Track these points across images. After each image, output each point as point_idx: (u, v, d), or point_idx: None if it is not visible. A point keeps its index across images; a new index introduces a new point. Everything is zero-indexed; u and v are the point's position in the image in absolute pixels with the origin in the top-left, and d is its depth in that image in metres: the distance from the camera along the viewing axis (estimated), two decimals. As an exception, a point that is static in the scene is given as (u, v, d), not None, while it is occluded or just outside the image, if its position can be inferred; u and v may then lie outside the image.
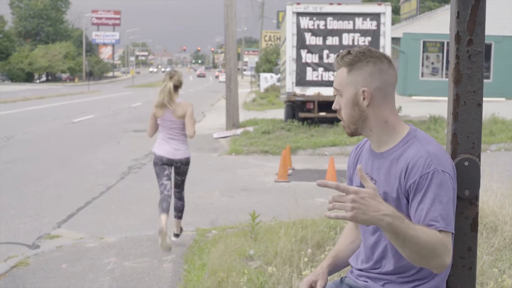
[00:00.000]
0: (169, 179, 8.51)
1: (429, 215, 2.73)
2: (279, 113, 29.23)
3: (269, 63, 68.76)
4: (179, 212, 8.65)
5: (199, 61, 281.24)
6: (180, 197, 8.72)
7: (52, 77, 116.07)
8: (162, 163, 8.49)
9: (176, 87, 8.38)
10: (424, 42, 42.43)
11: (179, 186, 8.71)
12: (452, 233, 2.75)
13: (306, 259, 6.21)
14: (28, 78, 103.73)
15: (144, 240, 8.64)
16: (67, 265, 7.48)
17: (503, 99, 38.18)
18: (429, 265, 2.72)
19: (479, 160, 2.92)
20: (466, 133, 2.90)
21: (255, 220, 7.85)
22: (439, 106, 31.32)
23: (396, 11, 53.89)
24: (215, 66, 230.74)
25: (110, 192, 12.63)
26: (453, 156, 2.91)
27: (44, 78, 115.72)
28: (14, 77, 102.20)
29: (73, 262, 7.62)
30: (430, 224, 2.70)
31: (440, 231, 2.69)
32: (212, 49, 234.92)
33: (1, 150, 18.51)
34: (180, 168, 8.58)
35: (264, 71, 66.96)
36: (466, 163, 2.90)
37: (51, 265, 7.49)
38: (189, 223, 9.89)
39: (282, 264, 6.31)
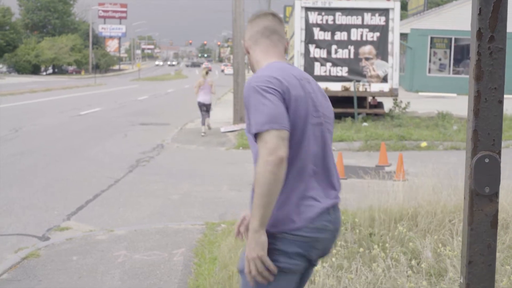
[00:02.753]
0: (204, 111, 21.24)
1: (249, 127, 3.22)
2: (286, 108, 29.20)
3: (276, 57, 68.61)
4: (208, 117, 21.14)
5: (205, 55, 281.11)
6: (208, 115, 21.30)
7: (59, 70, 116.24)
8: (201, 105, 21.12)
9: (207, 73, 21.00)
10: (431, 38, 42.39)
11: (207, 112, 21.44)
12: (274, 129, 3.12)
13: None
14: (35, 70, 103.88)
15: (154, 233, 8.65)
16: (77, 257, 7.50)
17: None
18: (278, 177, 3.10)
19: (500, 157, 2.92)
20: (487, 130, 2.90)
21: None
22: (447, 103, 31.35)
23: (403, 6, 53.81)
24: (221, 60, 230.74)
25: (119, 185, 12.66)
26: (474, 153, 2.92)
27: (50, 71, 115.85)
28: (20, 69, 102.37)
29: (84, 254, 7.64)
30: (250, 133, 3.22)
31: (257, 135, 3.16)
32: (219, 43, 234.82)
33: (9, 142, 18.55)
34: (209, 106, 21.08)
35: (270, 66, 66.82)
36: (487, 160, 2.90)
37: (62, 257, 7.51)
38: (197, 216, 9.92)
39: (293, 258, 6.31)
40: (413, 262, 6.04)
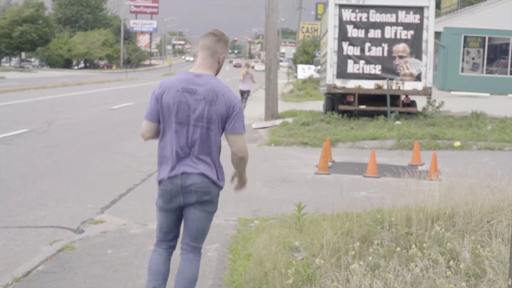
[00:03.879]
0: (245, 98, 27.67)
1: None
2: (318, 105, 29.16)
3: (307, 54, 68.49)
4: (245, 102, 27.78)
5: (235, 51, 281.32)
6: (246, 100, 28.43)
7: (90, 64, 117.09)
8: (242, 92, 26.88)
9: (248, 66, 25.53)
10: (465, 37, 41.98)
11: (246, 98, 28.30)
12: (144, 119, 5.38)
13: (353, 252, 6.17)
14: (67, 64, 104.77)
15: (187, 228, 8.64)
16: (112, 251, 7.53)
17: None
18: None
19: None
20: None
21: (300, 212, 7.83)
22: (480, 102, 31.04)
23: (437, 5, 53.33)
24: (251, 56, 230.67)
25: (151, 179, 12.67)
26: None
27: (82, 65, 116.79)
28: (52, 63, 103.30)
29: (118, 248, 7.66)
30: None
31: None
32: (249, 39, 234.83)
33: (43, 134, 18.70)
34: (248, 92, 27.89)
35: (301, 63, 66.76)
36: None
37: (97, 250, 7.54)
38: (231, 212, 9.91)
39: (329, 256, 6.27)
40: (451, 262, 5.96)
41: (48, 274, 6.69)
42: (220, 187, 5.43)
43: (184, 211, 5.35)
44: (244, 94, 27.84)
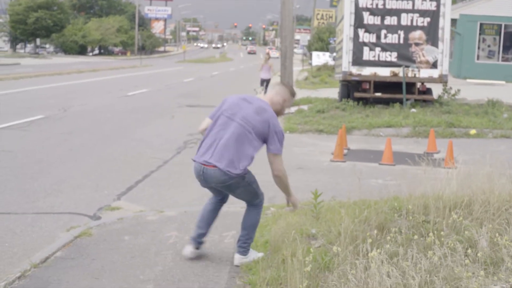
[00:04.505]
0: (265, 85, 28.44)
1: None
2: (332, 92, 29.09)
3: (322, 41, 68.35)
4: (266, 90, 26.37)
5: (250, 38, 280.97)
6: (266, 89, 27.63)
7: (105, 51, 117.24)
8: (263, 80, 29.32)
9: (268, 56, 28.51)
10: (481, 24, 41.70)
11: (267, 86, 28.45)
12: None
13: (370, 240, 6.15)
14: (81, 50, 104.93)
15: (204, 215, 8.66)
16: (129, 237, 7.55)
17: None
18: None
19: None
20: None
21: (317, 199, 7.82)
22: (496, 90, 30.87)
23: (453, -9, 53.01)
24: (265, 43, 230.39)
25: (167, 166, 12.72)
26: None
27: (96, 51, 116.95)
28: (67, 49, 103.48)
29: (135, 234, 7.69)
30: None
31: None
32: (264, 26, 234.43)
33: (59, 121, 18.76)
34: (268, 81, 28.87)
35: (316, 50, 66.63)
36: None
37: (114, 237, 7.57)
38: (247, 199, 9.90)
39: (346, 244, 6.26)
40: (469, 251, 5.94)
41: (66, 260, 6.72)
42: (236, 175, 6.30)
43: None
44: (264, 82, 29.64)
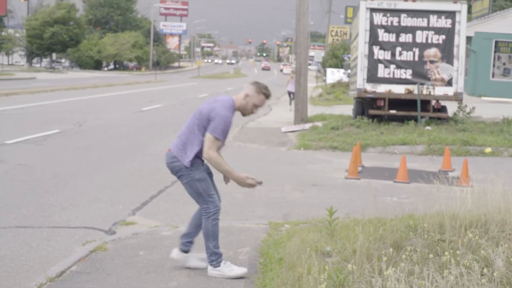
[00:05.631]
0: (291, 98, 30.04)
1: None
2: (347, 109, 29.09)
3: (336, 58, 68.40)
4: (293, 100, 25.11)
5: (264, 54, 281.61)
6: (292, 100, 25.45)
7: (120, 66, 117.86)
8: (290, 92, 33.41)
9: (294, 72, 23.40)
10: (496, 42, 41.61)
11: (293, 98, 25.64)
12: None
13: (385, 258, 6.14)
14: (97, 65, 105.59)
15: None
16: (144, 252, 7.58)
17: None
18: None
19: None
20: None
21: (331, 216, 7.82)
22: (511, 108, 30.72)
23: (467, 9, 53.00)
24: (279, 59, 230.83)
25: (182, 181, 12.73)
26: None
27: (111, 66, 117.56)
28: (83, 64, 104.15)
29: (150, 249, 7.71)
30: None
31: None
32: (278, 42, 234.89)
33: (74, 135, 18.87)
34: (294, 93, 25.64)
35: (330, 66, 66.68)
36: None
37: (129, 252, 7.59)
38: (261, 216, 9.93)
39: (361, 262, 6.25)
40: (485, 270, 5.92)
41: (81, 275, 6.75)
42: (182, 161, 6.76)
43: None
44: (291, 94, 33.07)
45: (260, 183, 6.80)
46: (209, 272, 6.78)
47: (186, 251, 7.02)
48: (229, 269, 6.74)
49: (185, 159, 6.67)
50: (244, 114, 6.88)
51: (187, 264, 7.02)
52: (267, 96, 6.87)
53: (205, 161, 6.82)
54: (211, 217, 6.75)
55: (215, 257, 6.76)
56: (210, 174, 6.99)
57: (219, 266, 6.75)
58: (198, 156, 6.72)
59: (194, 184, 6.74)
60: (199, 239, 7.02)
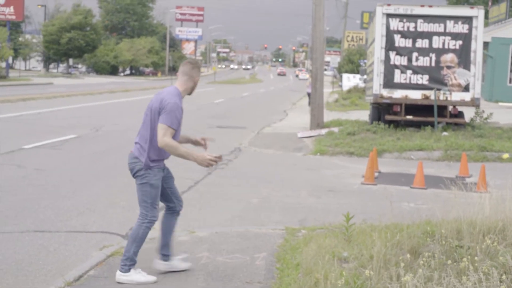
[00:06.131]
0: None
1: None
2: (363, 115, 29.04)
3: (352, 63, 68.34)
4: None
5: (279, 60, 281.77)
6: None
7: (136, 71, 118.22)
8: (309, 94, 30.82)
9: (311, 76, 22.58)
10: (513, 47, 41.39)
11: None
12: None
13: (403, 264, 6.13)
14: (113, 71, 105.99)
15: (235, 236, 8.69)
16: (161, 257, 7.58)
17: None
18: None
19: None
20: None
21: (348, 222, 7.81)
22: (528, 114, 30.52)
23: (484, 14, 52.77)
24: (295, 65, 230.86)
25: (198, 186, 12.78)
26: None
27: (128, 72, 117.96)
28: (99, 70, 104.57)
29: (167, 254, 7.72)
30: None
31: None
32: (293, 48, 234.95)
33: (91, 140, 18.95)
34: None
35: (346, 72, 66.63)
36: None
37: (146, 256, 7.59)
38: (278, 221, 9.93)
39: (379, 268, 6.24)
40: (503, 277, 5.89)
41: (99, 279, 6.78)
42: (141, 160, 6.97)
43: None
44: (310, 95, 32.21)
45: (219, 157, 6.96)
46: (118, 278, 6.70)
47: (165, 258, 7.10)
48: (139, 275, 6.73)
49: (146, 159, 6.85)
50: (190, 93, 7.08)
51: (172, 269, 7.08)
52: (199, 66, 7.13)
53: (165, 165, 7.14)
54: (145, 224, 6.82)
55: (129, 262, 6.72)
56: (171, 178, 7.25)
57: (129, 272, 6.70)
58: (159, 158, 6.92)
59: (147, 188, 6.83)
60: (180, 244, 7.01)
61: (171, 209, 7.24)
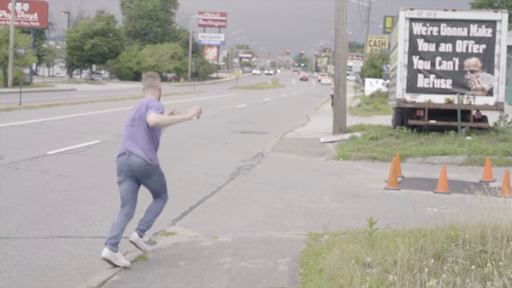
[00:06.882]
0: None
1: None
2: (386, 119, 28.95)
3: (374, 68, 68.07)
4: None
5: (302, 64, 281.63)
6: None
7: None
8: (332, 96, 30.85)
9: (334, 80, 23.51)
10: (537, 51, 41.02)
11: None
12: None
13: (427, 269, 6.09)
14: (136, 77, 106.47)
15: (258, 241, 8.69)
16: (184, 263, 7.61)
17: None
18: None
19: None
20: None
21: (372, 227, 7.78)
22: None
23: (508, 18, 52.36)
24: (317, 70, 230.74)
25: (221, 192, 12.80)
26: None
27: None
28: (122, 76, 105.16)
29: (190, 260, 7.74)
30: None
31: None
32: (316, 52, 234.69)
33: (114, 146, 18.99)
34: None
35: (369, 76, 66.40)
36: None
37: (169, 262, 7.64)
38: (301, 226, 9.92)
39: (402, 273, 6.21)
40: (528, 282, 5.84)
41: (122, 284, 6.81)
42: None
43: None
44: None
45: (199, 110, 7.86)
46: (134, 239, 7.91)
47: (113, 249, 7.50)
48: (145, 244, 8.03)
49: (156, 159, 7.89)
50: (159, 100, 7.97)
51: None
52: (158, 76, 8.10)
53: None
54: (164, 204, 8.31)
55: (148, 230, 8.07)
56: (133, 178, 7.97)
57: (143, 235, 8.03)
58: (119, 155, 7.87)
59: (163, 178, 8.31)
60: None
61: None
